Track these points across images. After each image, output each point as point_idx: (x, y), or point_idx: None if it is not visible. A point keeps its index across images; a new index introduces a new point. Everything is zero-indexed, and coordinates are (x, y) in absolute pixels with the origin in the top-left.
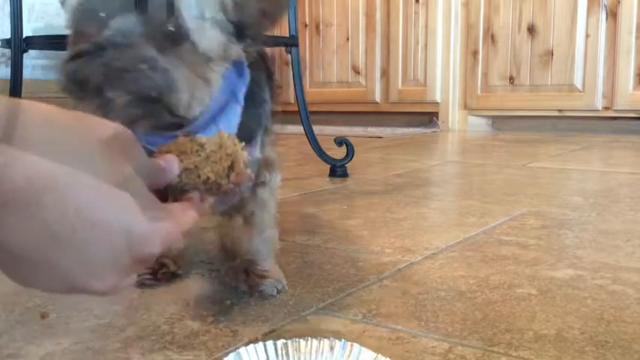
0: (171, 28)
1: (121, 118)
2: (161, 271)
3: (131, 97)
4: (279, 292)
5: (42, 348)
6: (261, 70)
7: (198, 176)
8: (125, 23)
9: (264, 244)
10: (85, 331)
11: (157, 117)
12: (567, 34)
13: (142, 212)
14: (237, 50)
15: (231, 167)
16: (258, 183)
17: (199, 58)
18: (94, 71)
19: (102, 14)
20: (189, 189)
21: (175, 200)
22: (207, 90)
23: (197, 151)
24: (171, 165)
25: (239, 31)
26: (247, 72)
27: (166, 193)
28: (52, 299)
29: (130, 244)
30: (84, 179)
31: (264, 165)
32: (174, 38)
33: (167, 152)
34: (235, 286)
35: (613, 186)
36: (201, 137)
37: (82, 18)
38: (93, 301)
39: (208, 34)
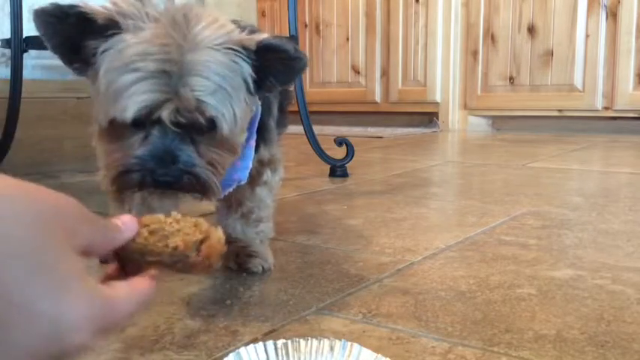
0: (203, 122)
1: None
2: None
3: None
4: (264, 270)
5: None
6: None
7: (166, 244)
8: (164, 134)
9: (257, 235)
10: None
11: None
12: (567, 34)
13: (79, 294)
14: (255, 105)
15: (202, 241)
16: (259, 182)
17: (227, 138)
18: (147, 185)
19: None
20: (152, 259)
21: (136, 271)
22: (233, 158)
23: (170, 223)
24: (129, 224)
25: (258, 89)
26: (260, 107)
27: (126, 260)
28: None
29: (57, 332)
30: (11, 251)
31: (268, 163)
32: (206, 129)
33: (140, 222)
34: (226, 265)
35: (613, 186)
36: (177, 215)
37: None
38: None
39: (236, 120)
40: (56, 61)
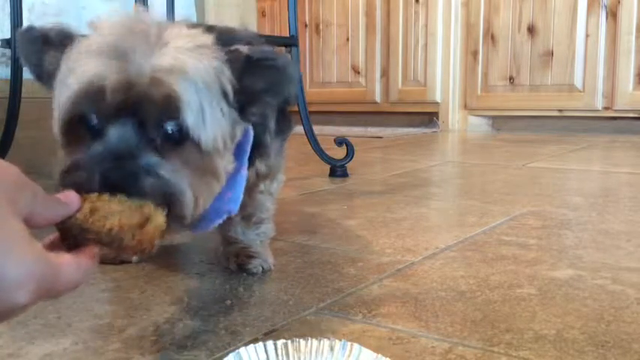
0: (172, 130)
1: None
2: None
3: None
4: (264, 270)
5: (42, 348)
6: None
7: (104, 225)
8: (122, 131)
9: (257, 236)
10: (85, 331)
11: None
12: (567, 34)
13: (23, 254)
14: (242, 128)
15: (140, 226)
16: (257, 191)
17: (204, 155)
18: (94, 183)
19: (95, 120)
20: (90, 237)
21: (75, 246)
22: (214, 184)
23: (113, 203)
24: (71, 200)
25: (243, 109)
26: (251, 132)
27: (66, 234)
28: (52, 300)
29: (0, 289)
30: None
31: (266, 175)
32: (176, 140)
33: (84, 199)
34: (226, 265)
35: (613, 186)
36: (125, 199)
37: (72, 120)
38: (93, 301)
39: (211, 129)
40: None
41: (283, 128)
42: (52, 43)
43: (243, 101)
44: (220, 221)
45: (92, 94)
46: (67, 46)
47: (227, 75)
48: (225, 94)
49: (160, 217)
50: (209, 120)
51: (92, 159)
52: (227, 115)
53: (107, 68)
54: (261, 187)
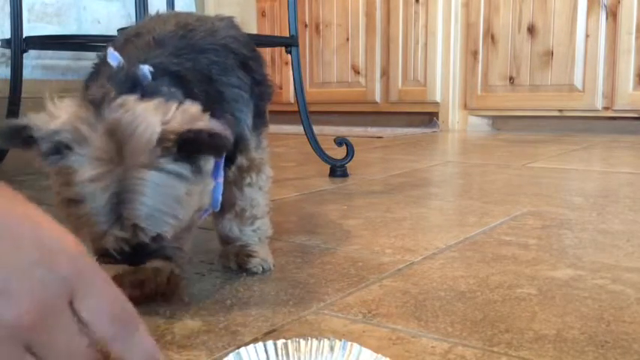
0: (147, 240)
1: None
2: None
3: None
4: (264, 270)
5: None
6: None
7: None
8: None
9: (254, 232)
10: None
11: None
12: (567, 34)
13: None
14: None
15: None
16: (244, 184)
17: (187, 230)
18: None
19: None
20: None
21: None
22: (197, 222)
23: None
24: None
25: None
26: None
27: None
28: None
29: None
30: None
31: (249, 169)
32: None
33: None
34: (226, 265)
35: (613, 186)
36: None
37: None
38: None
39: (187, 213)
40: (56, 61)
41: (257, 124)
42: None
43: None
44: (202, 219)
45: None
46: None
47: (182, 169)
48: (185, 180)
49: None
50: (180, 215)
51: (108, 254)
52: (191, 191)
53: (100, 230)
54: (248, 179)
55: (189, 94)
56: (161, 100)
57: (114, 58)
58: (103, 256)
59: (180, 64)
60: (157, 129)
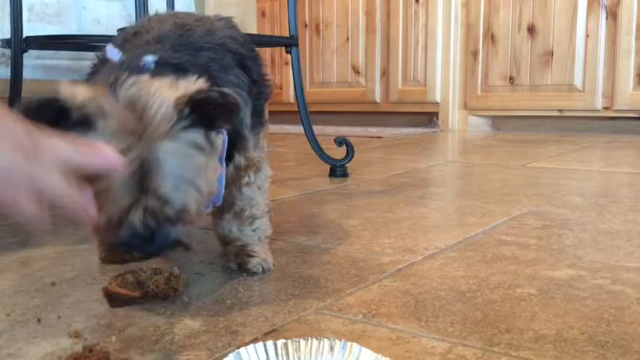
0: (171, 214)
1: None
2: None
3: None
4: (265, 270)
5: (42, 348)
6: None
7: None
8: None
9: (254, 232)
10: (85, 331)
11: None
12: (567, 34)
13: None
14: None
15: (169, 278)
16: (243, 183)
17: (199, 209)
18: (127, 255)
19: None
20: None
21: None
22: (205, 206)
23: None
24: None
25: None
26: (225, 139)
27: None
28: (52, 300)
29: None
30: None
31: (247, 168)
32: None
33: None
34: (227, 265)
35: (613, 186)
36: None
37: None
38: (93, 301)
39: (204, 189)
40: (56, 61)
41: (255, 124)
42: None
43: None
44: (205, 213)
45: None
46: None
47: (199, 138)
48: (203, 150)
49: (178, 272)
50: (202, 187)
51: (125, 242)
52: (208, 161)
53: (125, 204)
54: (246, 179)
55: None
56: (172, 78)
57: (114, 53)
58: (118, 246)
59: (180, 57)
60: (172, 101)
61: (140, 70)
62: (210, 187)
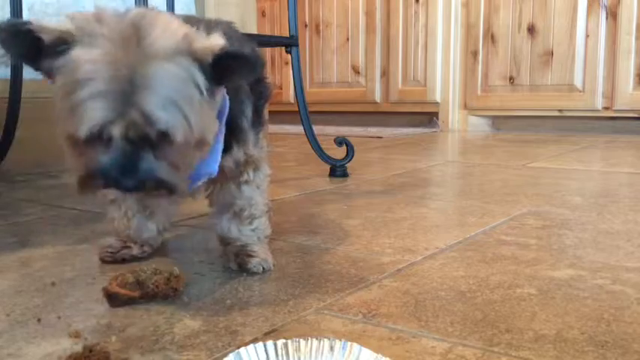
0: (154, 136)
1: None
2: (122, 251)
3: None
4: (265, 270)
5: (42, 348)
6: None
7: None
8: (124, 148)
9: (253, 232)
10: (85, 331)
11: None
12: (567, 34)
13: None
14: (221, 94)
15: (169, 278)
16: (242, 181)
17: (189, 146)
18: (105, 187)
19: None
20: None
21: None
22: (197, 157)
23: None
24: None
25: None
26: (227, 101)
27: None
28: (52, 300)
29: None
30: None
31: (246, 164)
32: (158, 141)
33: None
34: (227, 265)
35: (613, 186)
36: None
37: (82, 141)
38: (93, 301)
39: (194, 125)
40: None
41: (255, 123)
42: (44, 50)
43: (219, 81)
44: (200, 183)
45: (100, 136)
46: (59, 51)
47: (199, 74)
48: (199, 89)
49: (178, 272)
50: (191, 122)
51: (103, 169)
52: (202, 104)
53: (107, 114)
54: (245, 176)
55: None
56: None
57: None
58: (96, 171)
59: None
60: (182, 30)
61: None
62: (202, 130)
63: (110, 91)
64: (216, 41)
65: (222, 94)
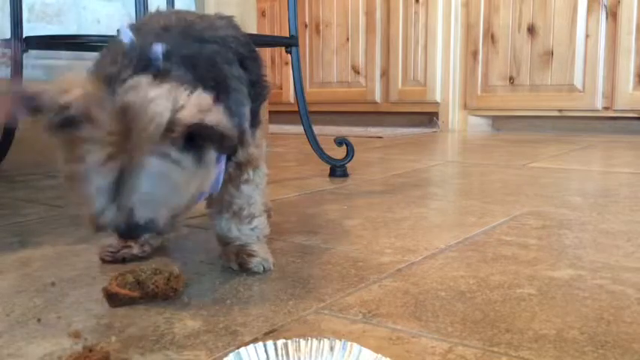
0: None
1: None
2: (122, 250)
3: None
4: (265, 269)
5: (42, 348)
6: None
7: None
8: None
9: (252, 231)
10: (85, 331)
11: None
12: (567, 34)
13: None
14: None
15: (169, 278)
16: (242, 180)
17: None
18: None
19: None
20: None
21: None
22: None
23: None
24: None
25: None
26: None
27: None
28: (52, 300)
29: None
30: None
31: (247, 164)
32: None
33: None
34: (227, 265)
35: (613, 186)
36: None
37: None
38: (93, 301)
39: (171, 214)
40: (56, 61)
41: (252, 123)
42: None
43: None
44: (199, 201)
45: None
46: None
47: (184, 158)
48: (185, 169)
49: (178, 272)
50: (176, 201)
51: (103, 230)
52: (190, 176)
53: (100, 209)
54: (245, 175)
55: (200, 79)
56: (173, 84)
57: (126, 35)
58: (101, 229)
59: (189, 47)
60: (167, 115)
61: (148, 61)
62: (190, 200)
63: (102, 187)
64: (195, 114)
65: (213, 153)
